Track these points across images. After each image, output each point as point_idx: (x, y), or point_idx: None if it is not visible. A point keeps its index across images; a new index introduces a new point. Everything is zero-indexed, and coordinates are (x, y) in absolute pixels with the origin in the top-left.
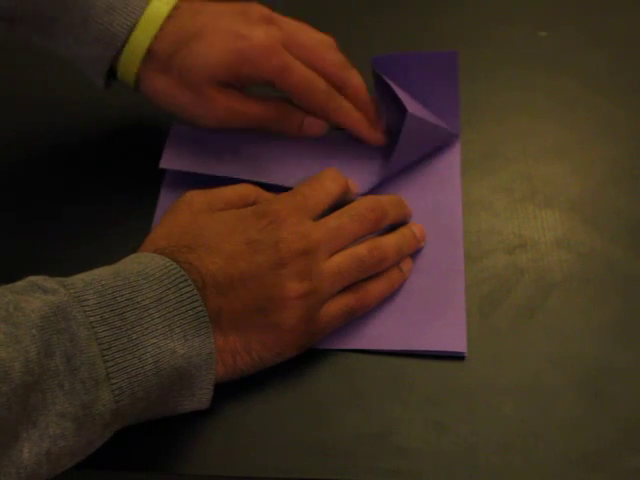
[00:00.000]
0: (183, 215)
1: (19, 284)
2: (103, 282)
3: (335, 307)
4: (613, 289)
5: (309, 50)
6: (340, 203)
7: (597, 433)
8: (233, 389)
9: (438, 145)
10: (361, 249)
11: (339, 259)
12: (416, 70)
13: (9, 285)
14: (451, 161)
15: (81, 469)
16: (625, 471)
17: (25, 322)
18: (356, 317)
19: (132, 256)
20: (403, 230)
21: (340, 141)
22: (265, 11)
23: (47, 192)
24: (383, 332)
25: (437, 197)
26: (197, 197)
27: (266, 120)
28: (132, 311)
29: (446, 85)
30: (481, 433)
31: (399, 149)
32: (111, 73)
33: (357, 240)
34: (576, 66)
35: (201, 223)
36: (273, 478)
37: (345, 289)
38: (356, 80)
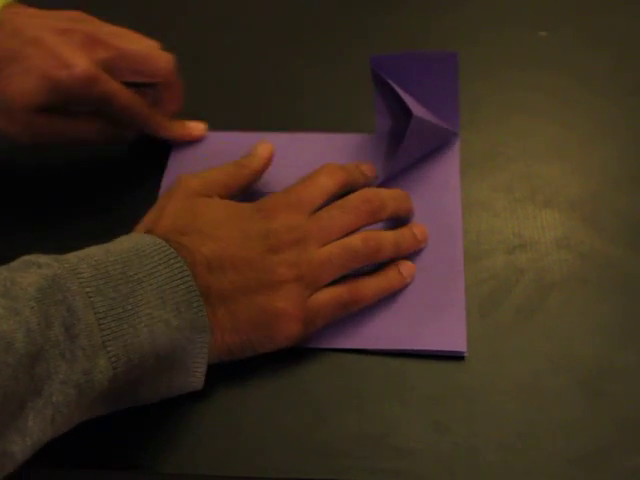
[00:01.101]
0: (176, 200)
1: (13, 263)
2: (96, 258)
3: (326, 296)
4: (613, 289)
5: (136, 62)
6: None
7: (597, 433)
8: (233, 389)
9: (439, 144)
10: (355, 239)
11: (331, 248)
12: (415, 70)
13: (3, 266)
14: (451, 161)
15: (83, 469)
16: (625, 471)
17: (23, 295)
18: (350, 312)
19: (123, 237)
20: (402, 230)
21: (341, 144)
22: (89, 27)
23: (47, 191)
24: (383, 332)
25: (437, 197)
26: (191, 181)
27: (90, 139)
28: (125, 284)
29: (446, 85)
30: (481, 433)
31: (403, 150)
32: None
33: (353, 232)
34: (576, 66)
35: (196, 210)
36: (273, 478)
37: (339, 282)
38: (178, 82)
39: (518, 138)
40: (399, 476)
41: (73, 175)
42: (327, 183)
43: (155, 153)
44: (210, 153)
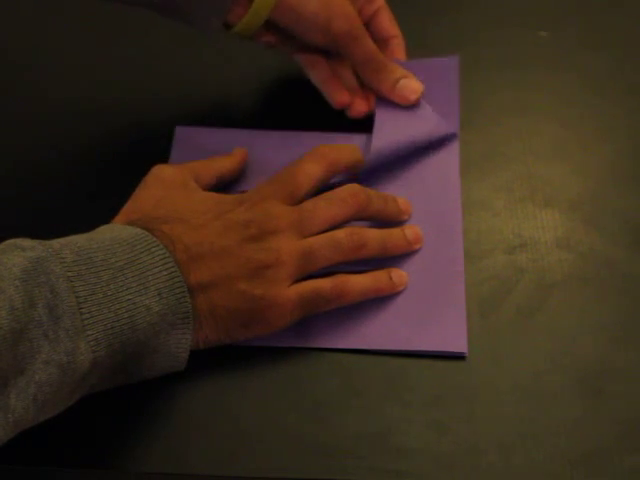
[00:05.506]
0: (154, 189)
1: None
2: (79, 244)
3: (306, 287)
4: (613, 289)
5: None
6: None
7: (597, 433)
8: (233, 388)
9: (434, 139)
10: (339, 232)
11: (313, 239)
12: (417, 76)
13: None
14: (451, 161)
15: (84, 469)
16: (625, 471)
17: (8, 275)
18: (332, 308)
19: (104, 226)
20: (393, 229)
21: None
22: None
23: (47, 189)
24: (383, 332)
25: (437, 197)
26: (166, 170)
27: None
28: (107, 271)
29: (447, 90)
30: (481, 433)
31: (376, 136)
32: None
33: (338, 226)
34: (576, 66)
35: (176, 200)
36: (273, 478)
37: (325, 276)
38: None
39: (518, 138)
40: (399, 476)
41: (73, 175)
42: (313, 169)
43: (156, 152)
44: (209, 150)
